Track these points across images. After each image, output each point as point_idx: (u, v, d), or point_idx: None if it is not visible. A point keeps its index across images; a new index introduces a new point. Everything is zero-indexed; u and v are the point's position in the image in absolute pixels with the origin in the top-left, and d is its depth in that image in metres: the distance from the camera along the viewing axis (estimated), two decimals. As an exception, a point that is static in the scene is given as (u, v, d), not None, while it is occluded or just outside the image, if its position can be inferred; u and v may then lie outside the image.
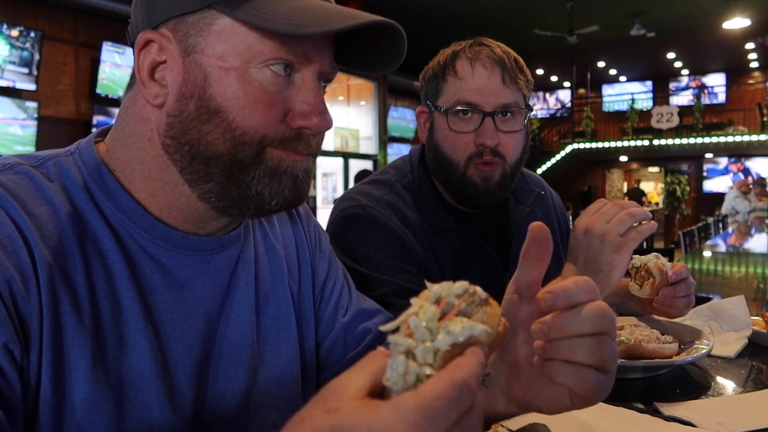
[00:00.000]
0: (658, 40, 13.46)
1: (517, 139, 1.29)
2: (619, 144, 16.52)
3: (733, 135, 15.53)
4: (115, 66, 7.41)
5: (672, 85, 18.84)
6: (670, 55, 16.23)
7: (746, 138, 15.20)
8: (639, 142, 16.20)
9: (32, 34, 6.65)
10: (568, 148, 17.04)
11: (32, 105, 6.73)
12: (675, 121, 15.78)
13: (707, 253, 4.22)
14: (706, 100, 17.46)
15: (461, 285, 0.48)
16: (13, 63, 6.53)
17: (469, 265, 1.33)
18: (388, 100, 12.87)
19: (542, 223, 0.64)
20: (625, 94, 19.16)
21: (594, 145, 16.95)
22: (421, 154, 1.40)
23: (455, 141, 1.27)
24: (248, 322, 0.82)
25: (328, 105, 0.74)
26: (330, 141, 11.58)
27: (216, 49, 0.68)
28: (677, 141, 15.70)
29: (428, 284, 0.49)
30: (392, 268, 1.22)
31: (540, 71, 17.45)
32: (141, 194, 0.74)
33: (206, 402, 0.77)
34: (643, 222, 1.07)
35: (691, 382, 1.10)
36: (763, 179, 10.44)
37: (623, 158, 18.56)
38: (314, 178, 10.81)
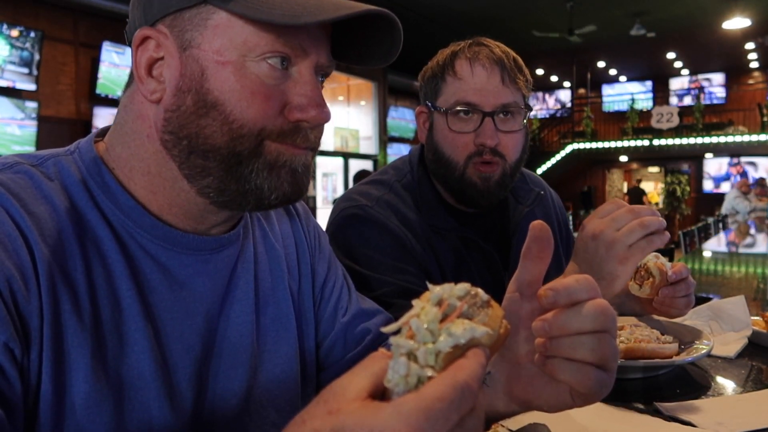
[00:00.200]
0: (658, 40, 13.46)
1: (517, 139, 1.29)
2: (619, 144, 16.52)
3: (733, 135, 15.54)
4: (115, 66, 7.41)
5: (673, 88, 18.83)
6: (670, 55, 16.23)
7: (746, 138, 15.20)
8: (639, 142, 16.20)
9: (32, 34, 6.66)
10: (568, 148, 17.04)
11: (32, 105, 6.74)
12: (675, 121, 15.78)
13: (707, 254, 4.22)
14: (705, 100, 17.46)
15: (463, 287, 0.48)
16: (13, 63, 6.54)
17: (469, 266, 1.33)
18: (388, 100, 12.88)
19: (542, 221, 0.64)
20: (625, 94, 19.15)
21: (594, 145, 16.95)
22: (420, 155, 1.40)
23: (455, 141, 1.27)
24: (248, 322, 0.82)
25: (327, 105, 0.74)
26: (330, 141, 11.58)
27: (213, 43, 0.69)
28: (677, 141, 15.70)
29: (430, 286, 0.49)
30: (392, 269, 1.22)
31: (540, 71, 17.44)
32: (140, 192, 0.74)
33: (206, 402, 0.77)
34: (656, 232, 1.00)
35: (691, 382, 1.10)
36: (763, 179, 10.46)
37: (623, 158, 18.56)
38: (314, 178, 10.81)
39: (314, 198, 11.11)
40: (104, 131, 0.79)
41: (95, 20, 7.41)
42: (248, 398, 0.80)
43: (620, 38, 13.30)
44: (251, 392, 0.81)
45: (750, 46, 14.81)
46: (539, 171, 15.67)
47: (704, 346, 1.13)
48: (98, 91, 7.34)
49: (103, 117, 7.33)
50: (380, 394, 0.44)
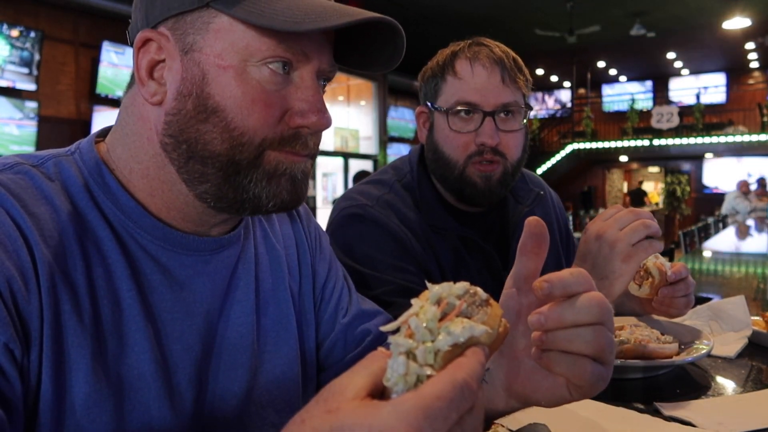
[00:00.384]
0: (658, 40, 13.46)
1: (518, 138, 1.29)
2: (619, 144, 16.52)
3: (733, 135, 15.54)
4: (115, 66, 7.41)
5: (673, 90, 18.81)
6: (670, 55, 16.23)
7: (746, 138, 15.20)
8: (639, 142, 16.20)
9: (32, 34, 6.66)
10: (568, 148, 17.05)
11: (32, 105, 6.74)
12: (675, 121, 15.78)
13: (707, 254, 4.22)
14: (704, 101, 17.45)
15: (462, 286, 0.48)
16: (13, 63, 6.54)
17: (468, 265, 1.33)
18: (388, 100, 12.87)
19: (539, 218, 0.65)
20: (625, 94, 19.16)
21: (594, 145, 16.96)
22: (420, 154, 1.40)
23: (455, 141, 1.27)
24: (248, 323, 0.82)
25: (327, 105, 0.74)
26: (330, 141, 11.58)
27: (214, 47, 0.68)
28: (677, 141, 15.70)
29: (429, 285, 0.49)
30: (392, 268, 1.22)
31: (540, 71, 17.44)
32: (140, 194, 0.74)
33: (206, 402, 0.77)
34: (653, 237, 1.04)
35: (691, 382, 1.10)
36: (763, 179, 10.46)
37: (623, 158, 18.56)
38: (314, 178, 10.81)
39: (314, 198, 11.11)
40: (105, 132, 0.79)
41: (95, 20, 7.41)
42: (248, 399, 0.80)
43: (620, 38, 13.31)
44: (251, 393, 0.81)
45: (750, 46, 14.81)
46: (539, 171, 15.67)
47: (704, 346, 1.13)
48: (98, 91, 7.34)
49: (102, 117, 7.33)
50: (379, 393, 0.44)
